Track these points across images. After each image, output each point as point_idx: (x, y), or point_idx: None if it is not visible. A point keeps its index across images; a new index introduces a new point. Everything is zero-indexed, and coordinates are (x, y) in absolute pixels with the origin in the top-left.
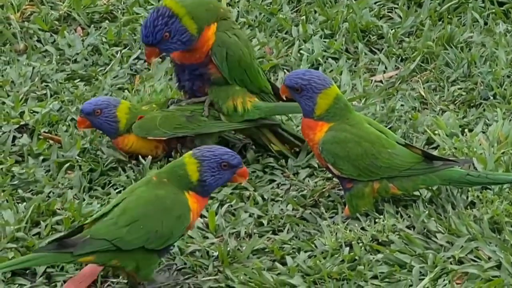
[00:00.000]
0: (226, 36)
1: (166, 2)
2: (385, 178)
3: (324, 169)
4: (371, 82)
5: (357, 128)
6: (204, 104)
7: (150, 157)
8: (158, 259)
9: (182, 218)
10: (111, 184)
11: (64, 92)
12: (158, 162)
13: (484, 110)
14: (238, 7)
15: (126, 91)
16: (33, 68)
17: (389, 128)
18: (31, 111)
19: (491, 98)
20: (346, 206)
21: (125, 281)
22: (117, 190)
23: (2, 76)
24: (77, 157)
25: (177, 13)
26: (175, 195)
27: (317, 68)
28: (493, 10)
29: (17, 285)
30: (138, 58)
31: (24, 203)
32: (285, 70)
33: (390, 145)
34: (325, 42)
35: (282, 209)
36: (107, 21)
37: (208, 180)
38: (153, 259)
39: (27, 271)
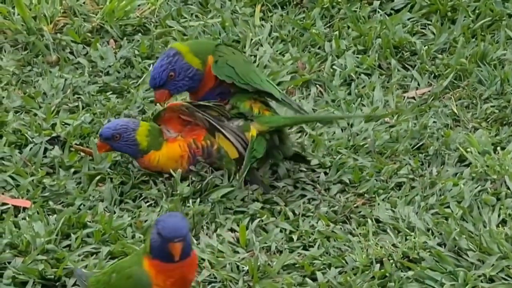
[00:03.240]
0: (224, 52)
1: (173, 45)
2: None
3: (357, 185)
4: (404, 99)
5: None
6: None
7: (180, 170)
8: None
9: None
10: (142, 197)
11: (96, 105)
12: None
13: None
14: (271, 22)
15: (157, 104)
16: (65, 80)
17: (421, 145)
18: (63, 123)
19: None
20: None
21: None
22: (148, 204)
23: (34, 87)
24: (108, 170)
25: (180, 51)
26: None
27: (349, 84)
28: None
29: None
30: None
31: (55, 215)
32: (317, 86)
33: None
34: (358, 57)
35: (312, 225)
36: (140, 34)
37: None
38: None
39: (57, 283)
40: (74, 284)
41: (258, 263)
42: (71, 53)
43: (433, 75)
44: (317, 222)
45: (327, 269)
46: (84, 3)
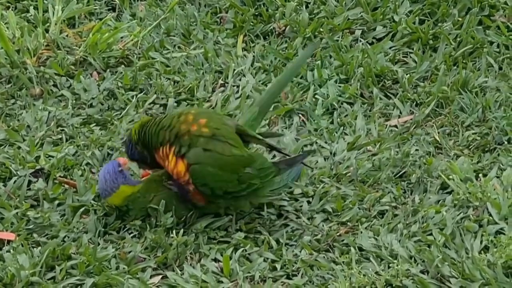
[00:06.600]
0: (200, 153)
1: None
2: None
3: (339, 213)
4: (386, 127)
5: None
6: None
7: (163, 201)
8: None
9: None
10: (126, 229)
11: (79, 137)
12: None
13: (498, 155)
14: (254, 52)
15: None
16: (49, 112)
17: (403, 173)
18: (47, 156)
19: (506, 143)
20: None
21: None
22: (132, 235)
23: (18, 120)
24: (92, 202)
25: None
26: None
27: (332, 113)
28: (508, 55)
29: None
30: (153, 102)
31: (39, 248)
32: (300, 115)
33: None
34: (340, 86)
35: (296, 254)
36: (122, 66)
37: None
38: None
39: None
40: None
41: None
42: (55, 85)
43: (415, 103)
44: (300, 251)
45: None
46: (67, 36)
